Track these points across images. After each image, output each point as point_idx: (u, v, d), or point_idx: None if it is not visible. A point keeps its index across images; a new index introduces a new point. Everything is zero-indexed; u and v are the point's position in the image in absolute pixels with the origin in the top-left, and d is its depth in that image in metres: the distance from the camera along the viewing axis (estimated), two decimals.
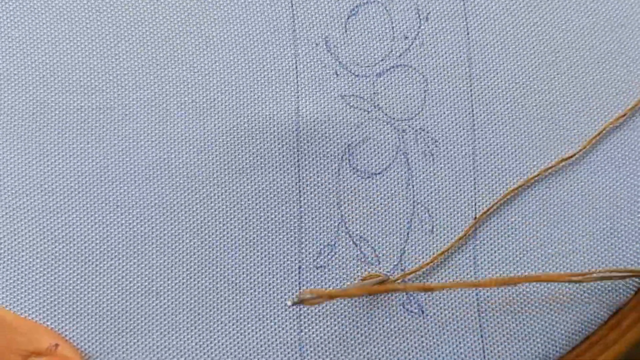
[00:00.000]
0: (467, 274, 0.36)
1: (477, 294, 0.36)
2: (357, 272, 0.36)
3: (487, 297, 0.36)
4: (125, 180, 0.35)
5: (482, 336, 0.36)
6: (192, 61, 0.36)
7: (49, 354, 0.34)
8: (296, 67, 0.36)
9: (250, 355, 0.35)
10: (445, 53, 0.37)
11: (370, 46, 0.37)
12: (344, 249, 0.36)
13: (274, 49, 0.36)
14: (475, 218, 0.36)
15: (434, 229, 0.36)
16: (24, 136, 0.35)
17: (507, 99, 0.37)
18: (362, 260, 0.36)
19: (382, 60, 0.37)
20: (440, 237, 0.36)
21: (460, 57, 0.37)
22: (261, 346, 0.35)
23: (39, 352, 0.34)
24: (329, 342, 0.36)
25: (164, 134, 0.35)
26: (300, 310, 0.36)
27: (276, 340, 0.35)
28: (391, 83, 0.37)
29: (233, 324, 0.35)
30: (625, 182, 0.37)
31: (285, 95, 0.36)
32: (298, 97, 0.36)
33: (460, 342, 0.36)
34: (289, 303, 0.32)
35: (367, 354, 0.36)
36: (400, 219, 0.36)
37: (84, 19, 0.36)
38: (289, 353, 0.35)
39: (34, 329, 0.34)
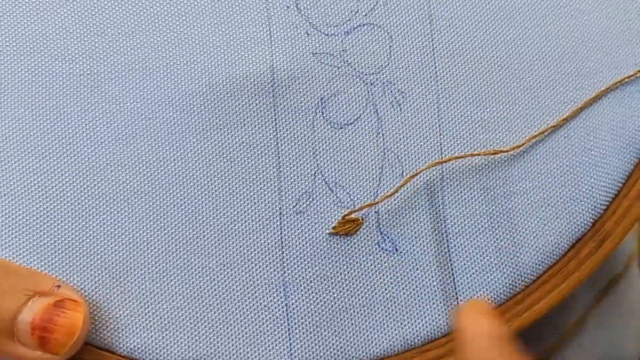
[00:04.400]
0: (436, 212, 0.39)
1: (446, 230, 0.39)
2: (335, 216, 0.39)
3: (456, 232, 0.39)
4: (112, 140, 0.38)
5: (452, 269, 0.39)
6: (171, 26, 0.39)
7: (52, 293, 0.36)
8: (269, 29, 0.39)
9: (237, 296, 0.38)
10: (408, 11, 0.40)
11: (337, 7, 0.39)
12: (321, 195, 0.39)
13: (248, 13, 0.39)
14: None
15: (404, 173, 0.39)
16: (15, 102, 0.38)
17: (466, 51, 0.40)
18: (339, 204, 0.39)
19: (349, 19, 0.39)
20: (410, 182, 0.39)
21: (422, 14, 0.40)
22: (247, 287, 0.38)
23: (43, 292, 0.36)
24: (310, 281, 0.38)
25: (146, 94, 0.38)
26: (283, 252, 0.38)
27: (261, 282, 0.38)
28: (358, 40, 0.39)
29: (220, 269, 0.38)
30: (580, 126, 0.40)
31: (261, 55, 0.39)
32: (272, 56, 0.39)
33: (433, 276, 0.39)
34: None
35: (347, 290, 0.39)
36: (372, 165, 0.39)
37: None
38: (273, 293, 0.38)
39: (35, 273, 0.37)
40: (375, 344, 0.39)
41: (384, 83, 0.39)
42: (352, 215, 0.39)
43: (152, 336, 0.38)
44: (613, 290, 0.50)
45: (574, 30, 0.41)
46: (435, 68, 0.40)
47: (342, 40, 0.39)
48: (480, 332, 0.33)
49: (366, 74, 0.39)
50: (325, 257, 0.39)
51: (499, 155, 0.39)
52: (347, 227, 0.38)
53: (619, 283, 0.51)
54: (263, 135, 0.39)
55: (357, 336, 0.39)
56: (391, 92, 0.39)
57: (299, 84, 0.39)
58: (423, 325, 0.39)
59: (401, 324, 0.39)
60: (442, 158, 0.39)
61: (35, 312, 0.36)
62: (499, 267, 0.39)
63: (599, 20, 0.41)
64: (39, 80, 0.38)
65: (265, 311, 0.38)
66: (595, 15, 0.41)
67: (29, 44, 0.38)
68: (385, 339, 0.39)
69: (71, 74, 0.38)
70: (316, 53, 0.39)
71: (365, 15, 0.40)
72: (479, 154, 0.39)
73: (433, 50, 0.40)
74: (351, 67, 0.39)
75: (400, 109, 0.39)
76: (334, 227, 0.39)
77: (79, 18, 0.39)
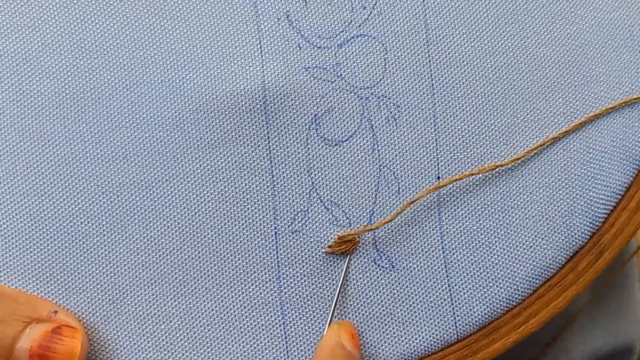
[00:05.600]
0: (432, 228, 0.39)
1: (443, 247, 0.39)
2: (331, 234, 0.38)
3: (453, 248, 0.39)
4: (104, 160, 0.37)
5: (449, 285, 0.39)
6: (160, 43, 0.37)
7: (49, 320, 0.36)
8: (260, 43, 0.38)
9: (234, 316, 0.38)
10: (403, 21, 0.38)
11: (330, 18, 0.38)
12: (316, 214, 0.38)
13: (237, 27, 0.38)
14: (439, 178, 0.39)
15: (400, 190, 0.39)
16: (4, 123, 0.37)
17: (464, 62, 0.39)
18: (334, 223, 0.38)
19: (342, 31, 0.38)
20: (407, 197, 0.39)
21: (417, 24, 0.38)
22: (245, 307, 0.38)
23: (40, 318, 0.36)
24: (307, 300, 0.38)
25: (138, 114, 0.37)
26: (279, 272, 0.38)
27: (258, 301, 0.38)
28: (352, 53, 0.38)
29: (217, 289, 0.38)
30: (579, 138, 0.39)
31: (251, 71, 0.38)
32: (264, 72, 0.38)
33: (429, 292, 0.39)
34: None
35: (344, 308, 0.39)
36: (368, 182, 0.38)
37: (56, 6, 0.37)
38: (271, 312, 0.38)
39: (32, 299, 0.37)
40: (372, 359, 0.39)
41: (379, 97, 0.38)
42: (349, 232, 0.38)
43: (150, 357, 0.38)
44: (611, 285, 0.50)
45: (574, 38, 0.39)
46: (432, 80, 0.38)
47: (335, 53, 0.38)
48: (327, 344, 0.37)
49: (361, 88, 0.38)
50: (321, 276, 0.38)
51: (497, 169, 0.39)
52: (343, 247, 0.38)
53: (617, 278, 0.51)
54: (256, 154, 0.38)
55: None
56: (387, 106, 0.38)
57: (291, 100, 0.38)
58: (419, 340, 0.39)
59: (398, 340, 0.39)
60: (438, 173, 0.39)
61: (33, 339, 0.36)
62: (496, 282, 0.39)
63: (599, 27, 0.40)
64: (26, 99, 0.37)
65: (263, 330, 0.38)
66: (595, 22, 0.39)
67: (13, 61, 0.37)
68: (382, 355, 0.39)
69: (58, 92, 0.37)
70: (309, 67, 0.38)
71: (359, 26, 0.38)
72: (478, 172, 0.38)
73: (429, 61, 0.38)
74: (345, 81, 0.38)
75: (396, 124, 0.38)
76: (329, 247, 0.38)
77: (65, 35, 0.37)
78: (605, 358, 0.51)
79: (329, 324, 0.38)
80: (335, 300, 0.38)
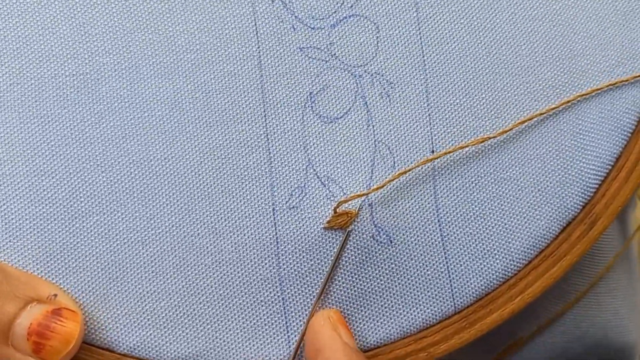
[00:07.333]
0: (428, 202, 0.39)
1: (439, 220, 0.40)
2: (328, 210, 0.39)
3: (449, 221, 0.40)
4: (102, 140, 0.38)
5: (446, 258, 0.40)
6: (157, 25, 0.38)
7: (49, 302, 0.37)
8: (255, 24, 0.39)
9: (234, 292, 0.39)
10: (393, 0, 0.39)
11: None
12: (313, 190, 0.39)
13: (233, 9, 0.39)
14: (433, 151, 0.39)
15: (396, 164, 0.39)
16: (4, 106, 0.38)
17: (454, 38, 0.40)
18: (331, 198, 0.39)
19: (335, 11, 0.39)
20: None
21: (408, 2, 0.39)
22: (244, 283, 0.39)
23: (40, 299, 0.37)
24: (307, 276, 0.39)
25: (136, 94, 0.38)
26: (278, 248, 0.39)
27: (258, 277, 0.39)
28: (345, 33, 0.39)
29: (216, 266, 0.39)
30: (568, 110, 0.40)
31: (248, 52, 0.39)
32: (260, 53, 0.39)
33: (427, 265, 0.40)
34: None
35: (342, 284, 0.39)
36: (363, 158, 0.39)
37: None
38: (270, 288, 0.39)
39: (34, 279, 0.37)
40: (372, 333, 0.39)
41: (372, 75, 0.39)
42: (345, 208, 0.39)
43: (151, 334, 0.38)
44: (609, 274, 0.51)
45: (561, 13, 0.41)
46: (423, 57, 0.40)
47: (328, 34, 0.39)
48: (336, 348, 0.37)
49: (354, 67, 0.39)
50: (320, 251, 0.39)
51: (488, 142, 0.40)
52: (341, 221, 0.39)
53: (616, 266, 0.51)
54: (253, 132, 0.39)
55: (353, 326, 0.39)
56: (380, 83, 0.39)
57: (287, 79, 0.39)
58: (418, 313, 0.40)
59: (396, 312, 0.39)
60: (432, 147, 0.39)
61: (33, 317, 0.36)
62: (491, 253, 0.40)
63: (585, 2, 0.41)
64: (25, 82, 0.38)
65: (263, 306, 0.39)
66: None
67: (13, 45, 0.38)
68: (382, 328, 0.39)
69: (58, 75, 0.38)
70: (303, 47, 0.39)
71: (351, 6, 0.39)
72: (468, 145, 0.39)
73: (420, 38, 0.40)
74: (339, 60, 0.39)
75: (390, 100, 0.39)
76: (328, 222, 0.39)
77: (64, 19, 0.38)
78: (604, 351, 0.51)
79: (319, 297, 0.39)
80: (329, 274, 0.39)
